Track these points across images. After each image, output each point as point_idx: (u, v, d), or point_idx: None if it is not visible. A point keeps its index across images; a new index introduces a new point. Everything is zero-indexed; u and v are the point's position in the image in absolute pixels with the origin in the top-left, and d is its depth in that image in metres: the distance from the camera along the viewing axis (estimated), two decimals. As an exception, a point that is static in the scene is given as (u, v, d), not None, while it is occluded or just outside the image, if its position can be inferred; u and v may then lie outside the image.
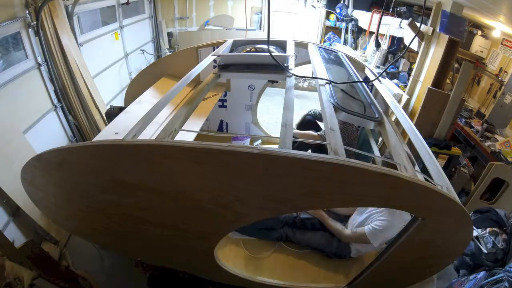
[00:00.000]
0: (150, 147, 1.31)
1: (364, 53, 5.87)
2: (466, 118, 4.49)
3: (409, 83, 4.17)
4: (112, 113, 2.91)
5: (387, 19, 4.76)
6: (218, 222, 1.54)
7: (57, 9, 3.24)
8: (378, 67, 5.21)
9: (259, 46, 2.75)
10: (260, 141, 3.60)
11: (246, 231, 2.32)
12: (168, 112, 2.42)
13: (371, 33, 5.62)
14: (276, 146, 1.36)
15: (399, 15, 4.72)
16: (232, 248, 2.28)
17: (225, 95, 3.55)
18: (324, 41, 6.58)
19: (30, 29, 2.91)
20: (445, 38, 3.37)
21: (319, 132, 3.02)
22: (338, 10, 5.99)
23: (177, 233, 1.69)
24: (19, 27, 2.80)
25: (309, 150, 2.89)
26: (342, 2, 5.96)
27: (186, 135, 1.79)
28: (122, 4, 4.83)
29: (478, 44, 4.59)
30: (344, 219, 2.33)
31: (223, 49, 2.66)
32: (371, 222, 1.99)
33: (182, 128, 1.65)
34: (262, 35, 5.53)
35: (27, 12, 2.85)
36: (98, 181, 1.51)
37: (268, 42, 1.85)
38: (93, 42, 4.16)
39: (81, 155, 1.43)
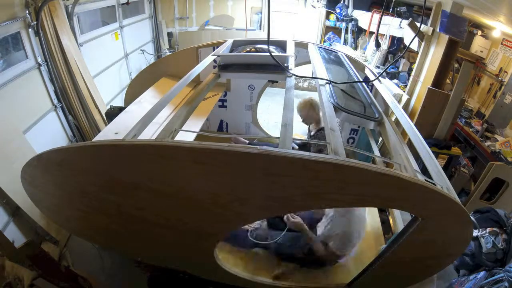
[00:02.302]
0: (150, 147, 1.31)
1: (364, 53, 5.87)
2: (466, 118, 4.49)
3: (409, 83, 4.17)
4: (112, 113, 2.91)
5: (387, 19, 4.76)
6: (218, 222, 1.54)
7: (57, 9, 3.24)
8: (378, 67, 5.21)
9: (259, 46, 2.75)
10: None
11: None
12: (168, 112, 2.41)
13: (371, 33, 5.62)
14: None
15: (399, 15, 4.72)
16: (232, 248, 2.28)
17: (225, 95, 3.54)
18: (324, 41, 6.58)
19: (30, 29, 2.92)
20: (445, 38, 3.37)
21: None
22: (338, 10, 5.99)
23: (177, 233, 1.69)
24: (19, 27, 2.81)
25: None
26: (342, 2, 5.96)
27: (186, 135, 1.78)
28: (122, 4, 4.83)
29: (478, 44, 4.59)
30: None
31: (223, 49, 2.66)
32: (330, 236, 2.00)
33: (182, 128, 1.65)
34: (262, 35, 5.53)
35: (27, 12, 2.85)
36: (98, 181, 1.51)
37: (268, 42, 1.85)
38: (93, 42, 4.16)
39: (81, 155, 1.43)
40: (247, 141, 3.13)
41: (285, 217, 2.11)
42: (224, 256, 2.04)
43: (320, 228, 2.12)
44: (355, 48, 6.17)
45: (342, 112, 1.86)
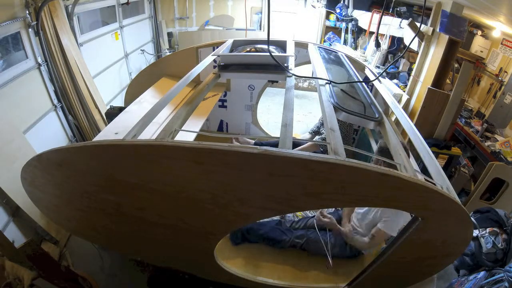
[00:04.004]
0: (150, 147, 1.31)
1: (364, 53, 5.87)
2: (466, 118, 4.48)
3: (409, 83, 4.17)
4: (112, 113, 2.91)
5: (387, 19, 4.76)
6: (218, 222, 1.54)
7: (57, 9, 3.24)
8: (378, 67, 5.21)
9: (259, 46, 2.75)
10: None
11: (251, 239, 2.30)
12: (168, 112, 2.42)
13: (371, 33, 5.62)
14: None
15: (399, 15, 4.72)
16: (232, 248, 2.28)
17: (225, 95, 3.55)
18: (324, 41, 6.58)
19: (30, 29, 2.91)
20: (445, 38, 3.37)
21: (316, 138, 3.05)
22: (338, 10, 5.99)
23: (177, 233, 1.69)
24: (19, 27, 2.80)
25: None
26: (342, 2, 5.96)
27: (186, 135, 1.78)
28: (122, 4, 4.83)
29: (478, 44, 4.59)
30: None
31: (223, 49, 2.66)
32: (381, 218, 1.96)
33: (182, 128, 1.65)
34: (262, 35, 5.53)
35: (27, 12, 2.85)
36: (98, 181, 1.51)
37: (268, 42, 1.85)
38: (93, 42, 4.16)
39: (81, 155, 1.43)
40: (252, 141, 3.09)
41: (316, 216, 2.18)
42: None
43: (355, 219, 2.16)
44: (355, 48, 6.17)
45: (342, 112, 1.86)
